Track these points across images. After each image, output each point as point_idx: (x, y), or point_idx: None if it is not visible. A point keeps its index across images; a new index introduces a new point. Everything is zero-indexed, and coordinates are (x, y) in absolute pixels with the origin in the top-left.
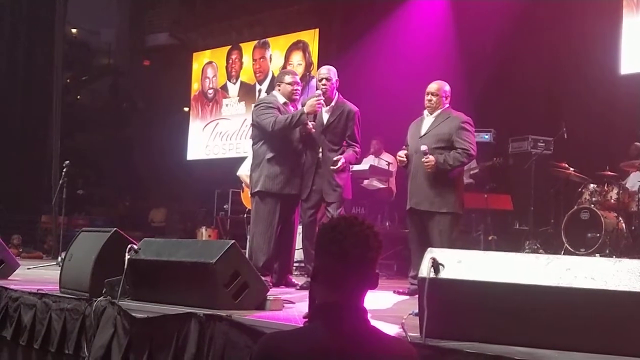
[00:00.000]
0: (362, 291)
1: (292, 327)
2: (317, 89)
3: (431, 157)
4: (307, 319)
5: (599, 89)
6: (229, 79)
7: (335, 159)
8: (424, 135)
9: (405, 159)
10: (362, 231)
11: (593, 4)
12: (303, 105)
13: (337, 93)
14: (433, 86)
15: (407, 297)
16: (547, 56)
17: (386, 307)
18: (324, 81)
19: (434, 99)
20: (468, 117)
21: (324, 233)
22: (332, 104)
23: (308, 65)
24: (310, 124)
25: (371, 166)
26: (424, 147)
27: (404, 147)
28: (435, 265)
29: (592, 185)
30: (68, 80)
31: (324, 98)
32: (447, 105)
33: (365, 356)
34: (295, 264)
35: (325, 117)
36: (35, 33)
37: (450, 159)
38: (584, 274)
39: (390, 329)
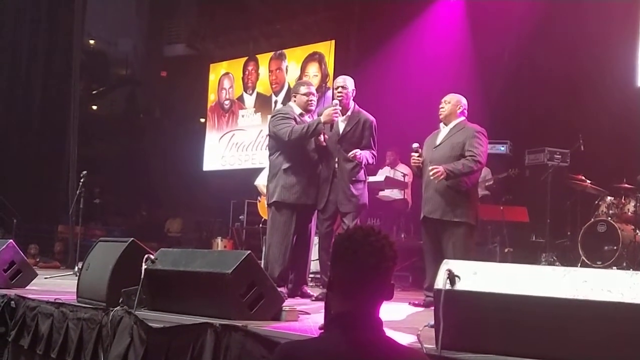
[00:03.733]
0: (377, 301)
1: (308, 337)
2: (333, 98)
3: (440, 167)
4: (322, 329)
5: (615, 101)
6: (245, 90)
7: (352, 152)
8: (439, 145)
9: (419, 160)
10: (378, 241)
11: (610, 15)
12: (319, 115)
13: (353, 103)
14: (448, 96)
15: (422, 309)
16: (563, 68)
17: (401, 318)
18: (340, 89)
19: (447, 106)
20: (482, 128)
21: (340, 243)
22: (349, 113)
23: (324, 76)
24: (321, 137)
25: (387, 177)
26: (415, 145)
27: (412, 154)
28: (451, 277)
29: (609, 198)
30: (85, 91)
31: (340, 107)
32: (463, 118)
33: None
34: (310, 275)
35: (342, 126)
36: (53, 43)
37: (459, 164)
38: (600, 287)
39: (406, 340)
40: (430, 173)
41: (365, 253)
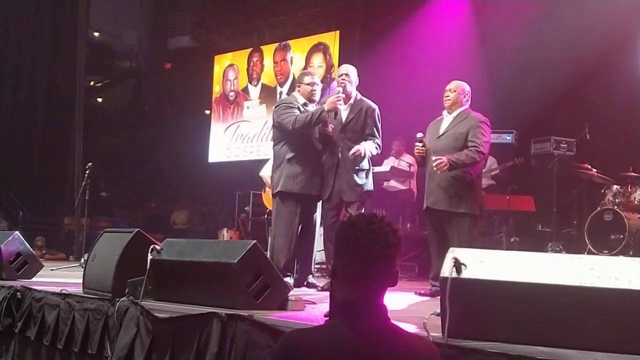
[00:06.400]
0: (381, 289)
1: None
2: (337, 87)
3: (443, 158)
4: (327, 317)
5: (621, 90)
6: (250, 82)
7: (353, 150)
8: (442, 134)
9: (423, 150)
10: (382, 228)
11: (615, 4)
12: (323, 104)
13: (356, 91)
14: (452, 84)
15: (428, 298)
16: (569, 57)
17: (407, 308)
18: (343, 76)
19: (452, 95)
20: (486, 118)
21: (343, 231)
22: (351, 101)
23: (329, 67)
24: (329, 127)
25: (392, 167)
26: (419, 135)
27: (416, 143)
28: (458, 265)
29: (615, 187)
30: (91, 83)
31: (344, 95)
32: (467, 106)
33: (385, 353)
34: (316, 266)
35: (344, 115)
36: (58, 37)
37: (462, 155)
38: (607, 274)
39: (412, 329)
40: (434, 164)
41: (369, 240)
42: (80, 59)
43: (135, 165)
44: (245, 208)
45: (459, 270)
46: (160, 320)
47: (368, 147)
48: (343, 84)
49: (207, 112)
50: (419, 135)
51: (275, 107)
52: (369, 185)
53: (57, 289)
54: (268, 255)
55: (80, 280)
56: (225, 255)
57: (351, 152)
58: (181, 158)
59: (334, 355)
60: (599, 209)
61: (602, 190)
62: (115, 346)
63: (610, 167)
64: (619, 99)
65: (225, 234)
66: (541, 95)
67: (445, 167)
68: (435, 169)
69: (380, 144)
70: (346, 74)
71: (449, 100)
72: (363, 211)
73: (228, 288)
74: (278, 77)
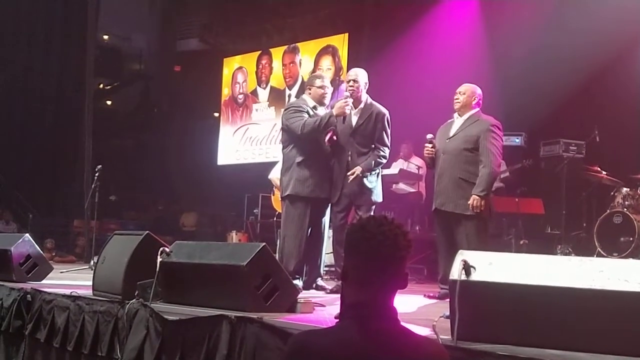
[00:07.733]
0: (391, 291)
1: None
2: (345, 91)
3: (475, 198)
4: (338, 319)
5: (631, 92)
6: (259, 84)
7: (351, 175)
8: (453, 136)
9: (433, 151)
10: (391, 230)
11: (626, 7)
12: (332, 108)
13: (366, 95)
14: (463, 87)
15: (437, 301)
16: (578, 59)
17: (417, 310)
18: (351, 82)
19: (461, 97)
20: (497, 122)
21: (353, 232)
22: (361, 105)
23: (338, 69)
24: (329, 136)
25: (400, 170)
26: (429, 136)
27: (426, 144)
28: (467, 268)
29: (624, 189)
30: (100, 86)
31: (352, 100)
32: (478, 109)
33: (395, 355)
34: (325, 268)
35: (354, 119)
36: (67, 40)
37: (483, 181)
38: (617, 276)
39: (421, 332)
40: (474, 208)
41: (379, 242)
42: (90, 62)
43: (143, 167)
44: (254, 210)
45: (468, 273)
46: (169, 322)
47: (366, 166)
48: (352, 90)
49: (216, 114)
50: (429, 136)
51: (285, 110)
52: (379, 188)
53: (67, 291)
54: (277, 258)
55: (90, 283)
56: (234, 258)
57: (350, 178)
58: (190, 160)
59: (343, 356)
60: (608, 211)
61: (612, 193)
62: (125, 348)
63: (620, 169)
64: (629, 102)
65: (234, 237)
66: (550, 97)
67: (484, 203)
68: (476, 211)
69: (387, 153)
70: (354, 80)
71: (459, 102)
72: (373, 214)
73: (237, 290)
74: (287, 80)
